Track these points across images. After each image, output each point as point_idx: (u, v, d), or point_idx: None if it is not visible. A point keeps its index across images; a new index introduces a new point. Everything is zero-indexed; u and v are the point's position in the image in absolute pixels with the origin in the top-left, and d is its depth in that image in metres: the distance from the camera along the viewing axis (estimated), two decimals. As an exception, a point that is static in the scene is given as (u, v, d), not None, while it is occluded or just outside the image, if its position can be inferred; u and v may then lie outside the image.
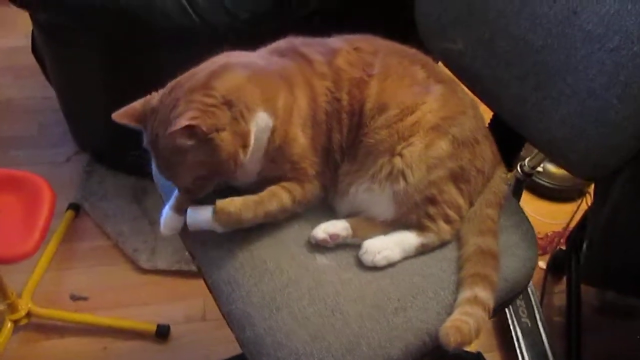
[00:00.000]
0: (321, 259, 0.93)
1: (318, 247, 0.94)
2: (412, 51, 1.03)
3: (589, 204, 1.82)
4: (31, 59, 1.79)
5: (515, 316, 1.58)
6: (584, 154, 0.95)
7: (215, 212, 0.89)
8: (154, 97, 0.88)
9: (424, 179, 0.92)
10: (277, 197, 0.91)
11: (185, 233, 0.97)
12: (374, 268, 0.93)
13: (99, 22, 1.41)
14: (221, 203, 0.88)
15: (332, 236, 0.93)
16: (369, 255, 0.93)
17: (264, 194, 0.91)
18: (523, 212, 1.08)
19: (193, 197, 0.91)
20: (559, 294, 1.68)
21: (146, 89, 1.53)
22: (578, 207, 1.85)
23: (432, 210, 0.95)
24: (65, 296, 1.58)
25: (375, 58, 0.96)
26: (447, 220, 0.96)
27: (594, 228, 1.35)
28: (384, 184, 0.93)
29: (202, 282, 1.62)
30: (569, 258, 1.61)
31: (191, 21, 1.36)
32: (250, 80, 0.87)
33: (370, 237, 0.95)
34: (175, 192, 0.96)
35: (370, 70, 0.95)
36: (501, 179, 1.03)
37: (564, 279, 1.67)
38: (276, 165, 0.91)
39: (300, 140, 0.91)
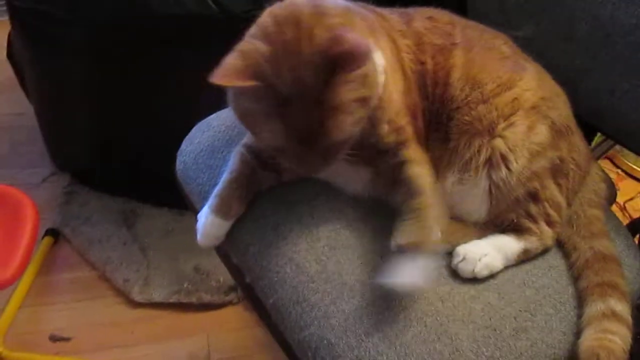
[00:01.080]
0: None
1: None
2: (488, 28, 0.88)
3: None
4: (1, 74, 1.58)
5: None
6: None
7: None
8: (256, 45, 0.64)
9: (527, 168, 0.77)
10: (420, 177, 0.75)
11: (228, 243, 0.76)
12: (474, 280, 0.75)
13: (96, 12, 1.22)
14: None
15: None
16: (467, 263, 0.75)
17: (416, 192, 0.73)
18: (616, 217, 0.93)
19: (323, 168, 0.70)
20: None
21: (144, 99, 1.39)
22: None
23: (533, 208, 0.79)
24: (43, 337, 1.36)
25: (453, 28, 0.83)
26: (549, 222, 0.81)
27: None
28: (481, 172, 0.77)
29: (204, 315, 1.47)
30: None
31: (208, 9, 1.18)
32: (353, 13, 0.70)
33: (464, 243, 0.77)
34: (216, 190, 0.77)
35: (452, 39, 0.81)
36: (599, 177, 0.89)
37: None
38: (372, 129, 0.73)
39: (395, 94, 0.74)
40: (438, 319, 0.70)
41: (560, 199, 0.81)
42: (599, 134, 1.59)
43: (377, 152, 0.76)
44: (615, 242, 0.83)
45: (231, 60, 0.62)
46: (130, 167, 1.52)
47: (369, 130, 0.72)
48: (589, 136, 1.15)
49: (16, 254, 1.06)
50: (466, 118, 0.78)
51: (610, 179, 1.68)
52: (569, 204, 0.84)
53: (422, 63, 0.79)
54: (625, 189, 1.73)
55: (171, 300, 1.43)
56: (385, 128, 0.74)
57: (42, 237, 1.51)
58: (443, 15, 0.85)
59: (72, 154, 1.65)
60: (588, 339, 0.70)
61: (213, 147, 0.86)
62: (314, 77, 0.61)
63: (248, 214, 0.77)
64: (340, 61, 0.61)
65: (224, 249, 0.79)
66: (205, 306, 1.42)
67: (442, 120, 0.79)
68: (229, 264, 0.80)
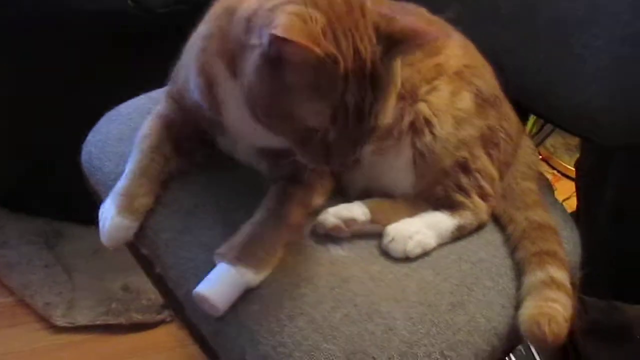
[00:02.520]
0: (336, 250, 0.69)
1: (328, 237, 0.70)
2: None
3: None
4: None
5: None
6: (621, 115, 0.82)
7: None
8: (309, 11, 0.54)
9: (453, 135, 0.73)
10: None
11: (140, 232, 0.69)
12: (406, 259, 0.69)
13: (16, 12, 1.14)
14: None
15: (348, 222, 0.70)
16: (397, 243, 0.70)
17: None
18: (551, 192, 0.91)
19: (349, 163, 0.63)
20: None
21: (63, 109, 1.31)
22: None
23: (464, 180, 0.75)
24: (-48, 371, 1.25)
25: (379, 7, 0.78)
26: (483, 195, 0.77)
27: (589, 233, 1.25)
28: (404, 139, 0.72)
29: (135, 337, 1.37)
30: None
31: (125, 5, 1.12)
32: None
33: (394, 222, 0.72)
34: (121, 185, 0.71)
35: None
36: (531, 150, 0.86)
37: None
38: None
39: None
40: (369, 298, 0.64)
41: (492, 170, 0.78)
42: (531, 123, 1.60)
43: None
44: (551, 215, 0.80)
45: (294, 21, 0.52)
46: (51, 185, 1.44)
47: None
48: (521, 120, 1.13)
49: None
50: None
51: (547, 179, 1.71)
52: (501, 177, 0.80)
53: None
54: (562, 188, 1.76)
55: (98, 322, 1.33)
56: None
57: (-47, 265, 1.40)
58: None
59: None
60: (528, 308, 0.66)
61: (121, 134, 0.80)
62: (371, 50, 0.55)
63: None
64: (399, 39, 0.56)
65: (136, 239, 0.71)
66: (137, 327, 1.33)
67: None
68: (137, 254, 0.72)
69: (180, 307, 0.66)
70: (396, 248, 0.70)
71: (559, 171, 1.81)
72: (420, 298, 0.65)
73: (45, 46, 1.19)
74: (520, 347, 1.42)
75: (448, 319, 0.64)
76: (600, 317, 1.49)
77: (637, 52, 0.79)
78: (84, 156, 0.80)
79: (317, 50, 0.51)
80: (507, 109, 0.82)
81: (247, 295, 0.62)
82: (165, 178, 0.73)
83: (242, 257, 0.63)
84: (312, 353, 0.58)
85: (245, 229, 0.65)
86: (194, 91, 0.67)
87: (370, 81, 0.56)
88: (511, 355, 1.36)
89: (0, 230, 1.51)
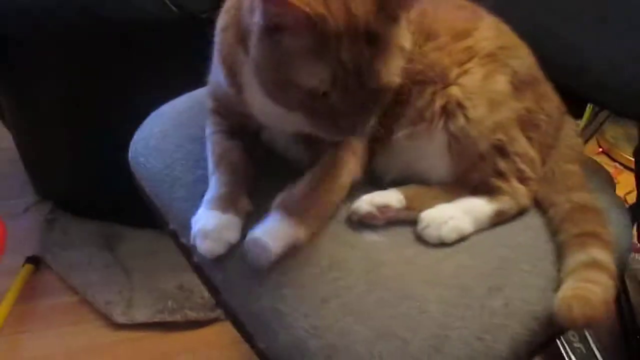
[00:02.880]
0: (370, 236, 0.69)
1: (363, 223, 0.70)
2: None
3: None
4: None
5: (567, 342, 1.36)
6: None
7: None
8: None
9: (488, 118, 0.71)
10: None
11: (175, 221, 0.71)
12: (442, 245, 0.69)
13: (58, 21, 1.20)
14: None
15: (382, 209, 0.70)
16: (432, 228, 0.70)
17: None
18: (603, 171, 0.87)
19: (361, 128, 0.62)
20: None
21: (117, 117, 1.35)
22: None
23: (502, 164, 0.73)
24: (21, 364, 1.30)
25: None
26: (522, 179, 0.75)
27: None
28: (437, 124, 0.71)
29: (190, 334, 1.40)
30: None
31: (169, 12, 1.17)
32: None
33: (429, 208, 0.71)
34: (213, 193, 0.69)
35: None
36: (573, 131, 0.83)
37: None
38: None
39: None
40: (403, 281, 0.64)
41: (533, 153, 0.76)
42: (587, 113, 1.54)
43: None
44: (597, 196, 0.77)
45: None
46: (110, 190, 1.49)
47: None
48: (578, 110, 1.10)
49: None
50: (419, 67, 0.72)
51: (608, 172, 1.63)
52: (543, 160, 0.78)
53: None
54: (624, 182, 1.68)
55: (155, 320, 1.37)
56: None
57: (23, 265, 1.47)
58: None
59: (53, 181, 1.64)
60: (564, 290, 0.63)
61: (163, 132, 0.83)
62: (363, 9, 0.56)
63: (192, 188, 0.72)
64: None
65: (173, 228, 0.74)
66: (191, 324, 1.36)
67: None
68: (177, 243, 0.74)
69: (217, 292, 0.68)
70: (431, 233, 0.69)
71: (621, 163, 1.74)
72: (455, 281, 0.64)
73: (93, 54, 1.24)
74: (578, 345, 1.37)
75: (484, 302, 0.63)
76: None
77: None
78: (131, 153, 0.83)
79: (302, 7, 0.53)
80: (547, 89, 0.80)
81: (282, 279, 0.63)
82: (249, 184, 0.72)
83: (296, 212, 0.63)
84: (344, 335, 0.59)
85: (302, 185, 0.66)
86: (224, 84, 0.69)
87: (366, 39, 0.56)
88: (570, 354, 1.32)
89: (65, 233, 1.58)
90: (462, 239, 0.70)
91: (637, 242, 1.25)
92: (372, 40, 0.57)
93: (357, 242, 0.68)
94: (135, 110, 1.34)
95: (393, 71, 0.60)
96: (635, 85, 0.82)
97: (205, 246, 0.65)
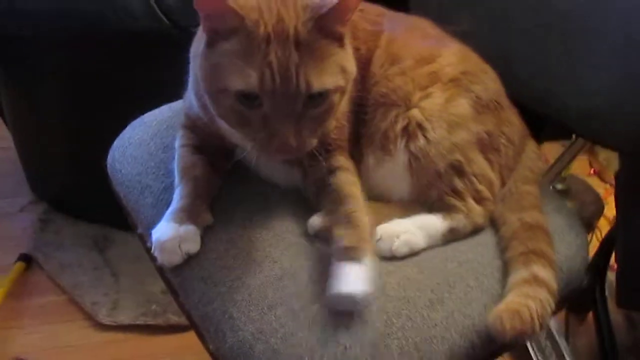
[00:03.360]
0: (325, 249, 0.71)
1: (318, 236, 0.73)
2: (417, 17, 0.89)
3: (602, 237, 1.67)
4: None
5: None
6: (628, 121, 0.81)
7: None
8: None
9: (446, 139, 0.75)
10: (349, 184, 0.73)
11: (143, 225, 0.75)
12: (394, 258, 0.72)
13: (57, 27, 1.25)
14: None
15: None
16: (385, 242, 0.73)
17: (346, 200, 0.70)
18: (590, 192, 0.90)
19: (296, 145, 0.62)
20: (584, 336, 1.46)
21: (113, 121, 1.39)
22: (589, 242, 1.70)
23: (458, 183, 0.76)
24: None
25: (381, 18, 0.83)
26: (478, 198, 0.77)
27: (624, 248, 1.20)
28: (398, 144, 0.75)
29: (171, 338, 1.43)
30: (592, 291, 1.42)
31: (159, 23, 1.20)
32: None
33: (385, 223, 0.74)
34: (175, 205, 0.71)
35: (380, 26, 0.81)
36: (535, 154, 0.86)
37: (587, 318, 1.48)
38: None
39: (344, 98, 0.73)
40: (349, 292, 0.66)
41: (491, 174, 0.79)
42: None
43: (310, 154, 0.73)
44: (553, 217, 0.79)
45: None
46: (103, 193, 1.55)
47: None
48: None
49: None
50: (383, 90, 0.76)
51: (597, 193, 1.63)
52: (503, 181, 0.81)
53: (357, 49, 0.78)
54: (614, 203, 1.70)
55: (138, 322, 1.40)
56: (333, 122, 0.73)
57: (14, 263, 1.50)
58: (372, 7, 0.85)
59: (49, 181, 1.67)
60: (502, 304, 0.66)
61: (140, 140, 0.86)
62: (295, 17, 0.59)
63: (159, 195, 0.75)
64: (324, 6, 0.59)
65: (140, 232, 0.77)
66: (173, 328, 1.39)
67: (364, 101, 0.78)
68: (144, 247, 0.77)
69: (176, 294, 0.71)
70: (383, 247, 0.72)
71: (611, 185, 1.75)
72: (399, 293, 0.67)
73: (91, 60, 1.28)
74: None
75: (425, 314, 0.65)
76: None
77: None
78: (109, 160, 0.87)
79: (237, 9, 0.57)
80: (510, 114, 0.83)
81: (234, 284, 0.67)
82: (211, 198, 0.74)
83: (357, 254, 0.64)
84: (287, 340, 0.62)
85: (340, 231, 0.66)
86: (195, 107, 0.73)
87: (295, 45, 0.58)
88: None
89: (58, 233, 1.62)
90: (413, 253, 0.73)
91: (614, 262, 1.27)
92: (302, 48, 0.59)
93: (311, 253, 0.71)
94: (129, 117, 1.38)
95: (326, 82, 0.60)
96: (596, 111, 0.85)
97: (162, 257, 0.69)
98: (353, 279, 0.61)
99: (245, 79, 0.59)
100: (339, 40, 0.62)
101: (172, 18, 1.21)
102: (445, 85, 0.77)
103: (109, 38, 1.24)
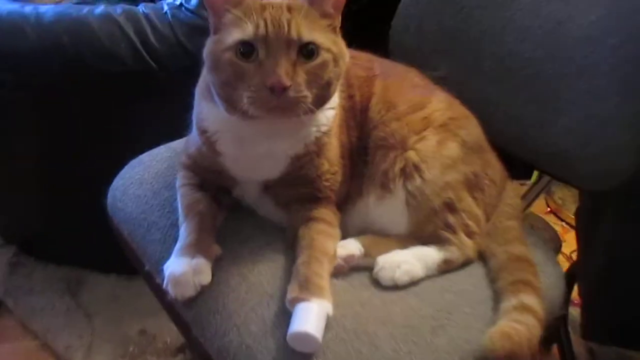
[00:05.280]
0: (332, 280, 0.75)
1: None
2: (401, 64, 0.96)
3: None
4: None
5: None
6: (593, 161, 0.89)
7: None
8: None
9: (440, 179, 0.81)
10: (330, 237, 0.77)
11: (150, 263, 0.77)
12: (394, 287, 0.77)
13: (41, 73, 1.23)
14: None
15: (347, 258, 0.78)
16: (386, 271, 0.78)
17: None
18: (550, 229, 0.97)
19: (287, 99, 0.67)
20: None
21: (85, 165, 1.39)
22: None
23: (451, 219, 0.83)
24: (-23, 411, 1.28)
25: (372, 63, 0.91)
26: (468, 233, 0.84)
27: (587, 282, 1.28)
28: (397, 183, 0.81)
29: None
30: (556, 326, 1.50)
31: (146, 65, 1.23)
32: None
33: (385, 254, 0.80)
34: (183, 241, 0.75)
35: (373, 72, 0.89)
36: (514, 193, 0.94)
37: (551, 351, 1.55)
38: (314, 161, 0.78)
39: (335, 138, 0.80)
40: (357, 320, 0.71)
41: (478, 211, 0.85)
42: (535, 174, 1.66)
43: (299, 199, 0.79)
44: (532, 251, 0.86)
45: None
46: (75, 235, 1.51)
47: (309, 163, 0.77)
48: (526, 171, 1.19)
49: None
50: (381, 134, 0.83)
51: (555, 231, 1.72)
52: (487, 218, 0.87)
53: (352, 97, 0.85)
54: (571, 240, 1.79)
55: (117, 365, 1.36)
56: (325, 165, 0.79)
57: (-16, 309, 1.47)
58: (362, 54, 0.92)
59: (17, 224, 1.64)
60: (494, 327, 0.72)
61: (142, 179, 0.89)
62: None
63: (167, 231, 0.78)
64: None
65: (148, 269, 0.79)
66: (153, 369, 1.37)
67: (365, 143, 0.85)
68: (152, 284, 0.80)
69: (188, 329, 0.73)
70: (385, 275, 0.77)
71: (567, 223, 1.84)
72: (404, 321, 0.72)
73: (71, 104, 1.27)
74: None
75: (429, 340, 0.70)
76: (607, 360, 1.50)
77: (608, 111, 0.87)
78: (109, 199, 0.89)
79: None
80: (491, 157, 0.90)
81: (249, 315, 0.70)
82: (216, 232, 0.79)
83: (313, 292, 0.68)
84: (304, 367, 0.65)
85: (298, 271, 0.71)
86: (199, 143, 0.78)
87: (288, 9, 0.67)
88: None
89: (28, 277, 1.58)
90: (412, 282, 0.78)
91: (577, 296, 1.35)
92: (294, 11, 0.67)
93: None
94: (105, 160, 1.37)
95: (316, 36, 0.67)
96: (562, 153, 0.93)
97: (176, 290, 0.72)
98: (307, 318, 0.66)
99: (242, 30, 0.66)
100: (331, 20, 0.70)
101: (158, 61, 1.23)
102: (436, 130, 0.84)
103: (91, 82, 1.24)
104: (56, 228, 1.53)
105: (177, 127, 0.96)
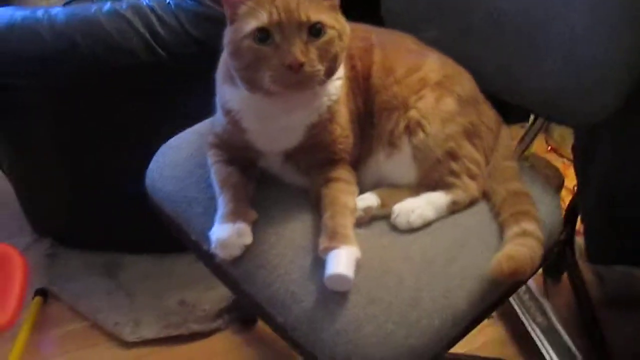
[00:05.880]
0: (356, 230, 0.86)
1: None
2: (396, 31, 1.05)
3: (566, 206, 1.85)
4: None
5: (531, 317, 1.54)
6: (580, 99, 0.97)
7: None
8: None
9: (441, 131, 0.91)
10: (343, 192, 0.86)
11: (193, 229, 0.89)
12: (410, 230, 0.88)
13: (58, 74, 1.30)
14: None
15: (366, 210, 0.88)
16: (402, 216, 0.88)
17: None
18: (552, 167, 1.07)
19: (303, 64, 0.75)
20: (561, 295, 1.64)
21: (109, 153, 1.45)
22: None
23: (454, 165, 0.92)
24: (42, 391, 1.38)
25: (369, 34, 0.99)
26: (471, 175, 0.94)
27: (588, 209, 1.37)
28: (403, 140, 0.90)
29: (194, 345, 1.52)
30: (563, 255, 1.60)
31: (157, 56, 1.30)
32: None
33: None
34: (223, 210, 0.84)
35: (370, 42, 0.97)
36: (508, 136, 1.03)
37: (561, 280, 1.65)
38: (328, 127, 0.86)
39: (344, 106, 0.88)
40: (382, 261, 0.82)
41: (478, 156, 0.95)
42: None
43: (318, 163, 0.89)
44: (530, 185, 0.97)
45: None
46: (105, 221, 1.59)
47: (324, 130, 0.86)
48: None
49: (11, 298, 1.14)
50: (384, 98, 0.93)
51: (557, 168, 1.80)
52: (487, 161, 0.97)
53: (354, 67, 0.93)
54: (572, 175, 1.87)
55: (162, 335, 1.47)
56: (338, 130, 0.88)
57: (32, 298, 1.55)
58: (359, 26, 0.99)
59: (50, 218, 1.71)
60: (500, 252, 0.82)
61: (175, 162, 0.99)
62: None
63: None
64: None
65: (195, 239, 0.90)
66: (195, 336, 1.48)
67: (370, 108, 0.94)
68: (200, 251, 0.90)
69: (237, 284, 0.85)
70: (401, 221, 0.88)
71: (567, 159, 1.92)
72: (421, 257, 0.83)
73: (88, 100, 1.35)
74: (541, 319, 1.55)
75: (445, 270, 0.81)
76: (616, 287, 1.60)
77: (585, 45, 0.94)
78: (148, 182, 0.99)
79: None
80: (485, 107, 1.00)
81: (289, 266, 0.81)
82: (250, 200, 0.87)
83: (341, 241, 0.77)
84: (342, 304, 0.76)
85: (326, 224, 0.81)
86: (224, 122, 0.88)
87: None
88: (535, 328, 1.50)
89: (67, 266, 1.66)
90: (426, 224, 0.89)
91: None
92: None
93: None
94: (126, 151, 1.44)
95: (322, 16, 0.75)
96: (547, 93, 1.01)
97: (224, 252, 0.82)
98: (340, 262, 0.76)
99: (257, 18, 0.74)
100: (332, 1, 0.78)
101: (168, 51, 1.29)
102: (433, 88, 0.93)
103: (106, 77, 1.30)
104: (86, 217, 1.61)
105: (190, 111, 1.05)
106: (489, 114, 0.99)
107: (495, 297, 0.84)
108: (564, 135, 1.96)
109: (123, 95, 1.35)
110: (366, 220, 0.88)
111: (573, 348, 1.45)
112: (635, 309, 1.60)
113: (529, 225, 0.86)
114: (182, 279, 1.59)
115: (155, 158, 1.01)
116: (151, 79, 1.32)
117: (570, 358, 1.42)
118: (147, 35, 1.29)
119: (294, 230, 0.85)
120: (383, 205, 0.90)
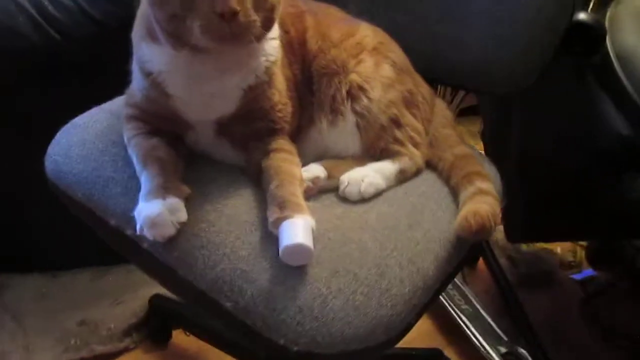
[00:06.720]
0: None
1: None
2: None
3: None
4: None
5: (456, 306, 1.55)
6: (506, 64, 0.96)
7: None
8: None
9: (384, 97, 0.86)
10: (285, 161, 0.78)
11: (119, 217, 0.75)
12: (362, 200, 0.81)
13: None
14: None
15: (314, 180, 0.81)
16: (353, 186, 0.82)
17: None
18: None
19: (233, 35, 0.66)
20: (479, 282, 1.67)
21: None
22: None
23: (398, 133, 0.88)
24: None
25: (296, 1, 0.93)
26: (415, 144, 0.90)
27: (509, 185, 1.40)
28: (346, 106, 0.85)
29: None
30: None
31: (50, 39, 1.16)
32: None
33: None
34: (149, 184, 0.73)
35: (300, 8, 0.91)
36: (443, 105, 1.02)
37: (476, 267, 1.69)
38: (265, 93, 0.78)
39: (280, 72, 0.80)
40: (339, 231, 0.74)
41: (417, 124, 0.92)
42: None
43: (256, 134, 0.80)
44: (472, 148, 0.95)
45: None
46: None
47: (262, 94, 0.77)
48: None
49: None
50: (322, 62, 0.87)
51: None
52: (426, 130, 0.94)
53: (287, 32, 0.86)
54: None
55: (62, 361, 1.30)
56: (276, 95, 0.80)
57: None
58: None
59: None
60: (462, 211, 0.80)
61: (83, 140, 0.85)
62: None
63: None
64: None
65: (114, 224, 0.77)
66: (100, 358, 1.34)
67: (308, 75, 0.87)
68: (121, 237, 0.76)
69: (173, 272, 0.72)
70: (352, 190, 0.81)
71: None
72: (381, 224, 0.76)
73: None
74: (466, 306, 1.56)
75: (408, 235, 0.76)
76: (527, 269, 1.66)
77: (507, 15, 0.94)
78: (49, 166, 0.84)
79: None
80: (418, 77, 0.97)
81: (236, 243, 0.71)
82: (180, 176, 0.76)
83: (294, 209, 0.69)
84: (303, 278, 0.67)
85: (274, 195, 0.72)
86: (146, 87, 0.76)
87: None
88: (462, 315, 1.50)
89: None
90: (377, 194, 0.83)
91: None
92: None
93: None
94: (23, 139, 1.26)
95: None
96: (472, 65, 0.99)
97: (154, 232, 0.70)
98: (296, 232, 0.67)
99: None
100: None
101: (61, 32, 1.17)
102: (370, 53, 0.89)
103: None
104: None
105: (100, 97, 0.93)
106: (423, 84, 0.97)
107: (459, 259, 0.80)
108: (462, 133, 2.02)
109: (22, 81, 1.20)
110: (315, 191, 0.80)
111: (499, 330, 1.47)
112: (546, 284, 1.66)
113: (484, 184, 0.84)
114: (81, 296, 1.44)
115: (56, 139, 0.87)
116: (48, 63, 1.19)
117: (497, 340, 1.43)
118: (35, 14, 1.17)
119: (235, 207, 0.75)
120: (330, 176, 0.83)
